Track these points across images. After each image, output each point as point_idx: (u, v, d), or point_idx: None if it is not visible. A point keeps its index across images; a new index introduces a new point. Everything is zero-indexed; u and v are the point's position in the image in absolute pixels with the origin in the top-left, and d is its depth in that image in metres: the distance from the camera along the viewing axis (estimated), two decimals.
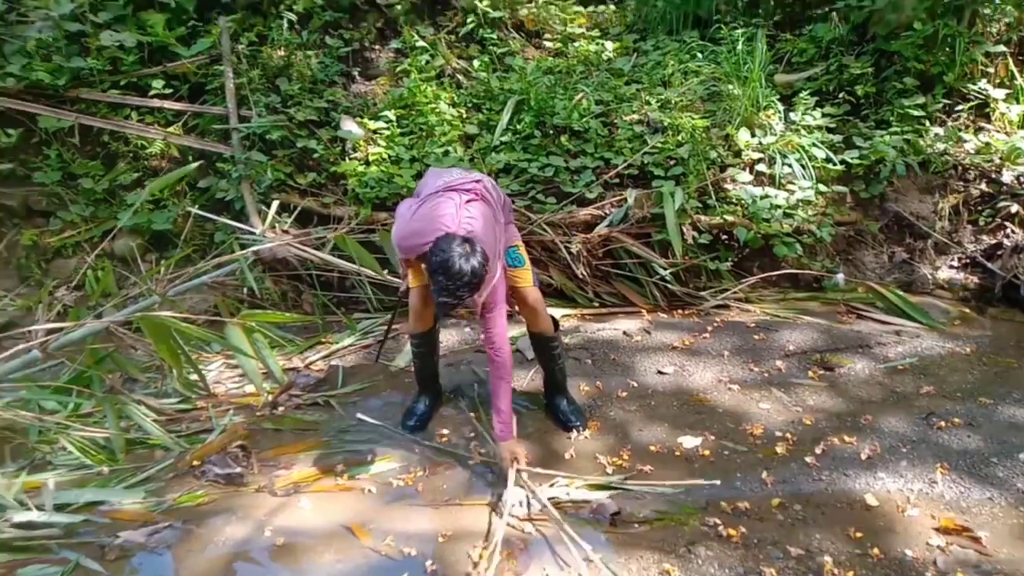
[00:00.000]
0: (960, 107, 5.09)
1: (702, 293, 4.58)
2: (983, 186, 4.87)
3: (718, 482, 2.79)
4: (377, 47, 5.67)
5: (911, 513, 2.62)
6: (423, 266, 2.82)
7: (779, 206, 4.63)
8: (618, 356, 3.85)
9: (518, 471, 2.77)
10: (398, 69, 5.43)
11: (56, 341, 3.32)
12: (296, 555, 2.49)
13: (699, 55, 5.56)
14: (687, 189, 4.63)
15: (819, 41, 5.49)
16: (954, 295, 4.66)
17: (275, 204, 4.35)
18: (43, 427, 3.08)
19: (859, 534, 2.52)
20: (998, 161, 4.83)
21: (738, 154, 4.85)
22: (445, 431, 3.22)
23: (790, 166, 4.78)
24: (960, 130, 5.00)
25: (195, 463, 2.98)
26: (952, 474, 2.81)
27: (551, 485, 2.79)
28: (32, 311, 4.30)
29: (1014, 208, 4.71)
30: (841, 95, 5.24)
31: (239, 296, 4.44)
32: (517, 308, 3.31)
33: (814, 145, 4.84)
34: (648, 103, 5.09)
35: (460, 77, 5.49)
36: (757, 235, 4.57)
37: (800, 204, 4.67)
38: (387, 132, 4.92)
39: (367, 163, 4.78)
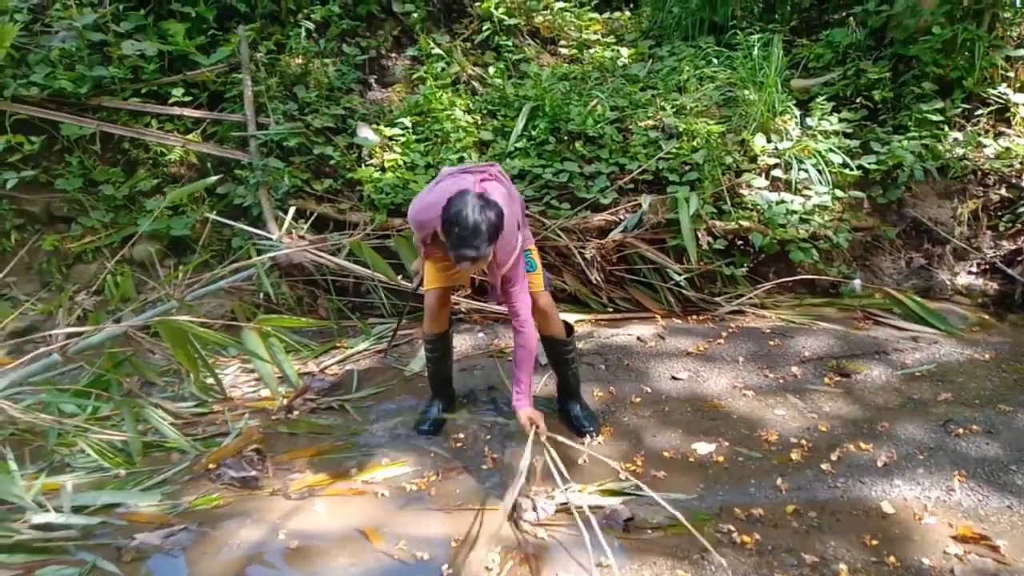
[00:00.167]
0: (980, 112, 5.04)
1: (717, 299, 4.57)
2: (1003, 191, 4.82)
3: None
4: (393, 55, 5.72)
5: (928, 521, 2.59)
6: (439, 254, 2.84)
7: (795, 211, 4.60)
8: (632, 362, 3.84)
9: (536, 433, 2.78)
10: (414, 76, 5.47)
11: (76, 345, 3.37)
12: (310, 558, 2.50)
13: (715, 61, 5.56)
14: (702, 195, 4.62)
15: (836, 46, 5.47)
16: (973, 301, 4.61)
17: (292, 210, 4.39)
18: (62, 430, 3.11)
19: (875, 542, 2.49)
20: (1018, 166, 4.78)
21: (754, 159, 4.84)
22: (458, 436, 3.22)
23: (806, 171, 4.75)
24: (979, 135, 4.95)
25: (211, 466, 3.00)
26: (970, 482, 2.77)
27: (564, 491, 2.79)
28: (53, 315, 4.37)
29: None
30: (858, 100, 5.21)
31: (255, 301, 4.48)
32: None
33: (831, 150, 4.82)
34: (663, 109, 5.09)
35: (475, 84, 5.52)
36: (773, 241, 4.54)
37: (816, 209, 4.64)
38: (403, 139, 4.95)
39: (383, 169, 4.82)
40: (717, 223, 4.59)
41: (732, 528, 2.58)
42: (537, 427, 2.81)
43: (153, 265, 4.50)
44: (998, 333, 4.18)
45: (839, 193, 4.71)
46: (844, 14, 5.58)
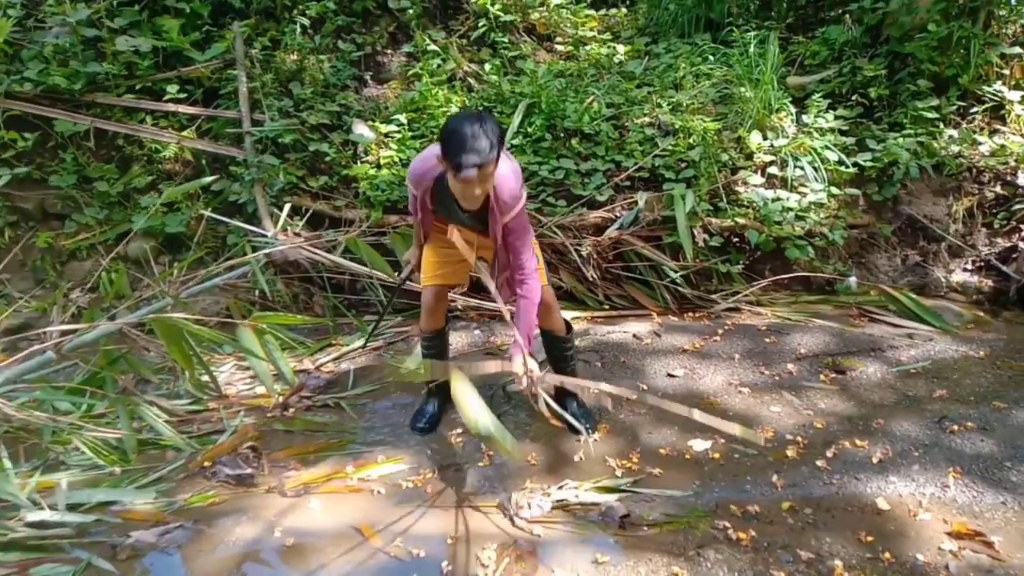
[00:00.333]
0: (975, 109, 5.05)
1: (713, 296, 4.57)
2: (998, 188, 4.83)
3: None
4: (389, 51, 5.70)
5: (923, 517, 2.59)
6: (438, 226, 2.82)
7: (791, 209, 4.60)
8: (628, 359, 3.84)
9: (530, 380, 2.62)
10: (410, 73, 5.46)
11: (70, 342, 3.35)
12: (306, 556, 2.50)
13: (711, 58, 5.56)
14: (698, 192, 4.62)
15: (832, 43, 5.47)
16: (968, 298, 4.62)
17: (287, 207, 4.37)
18: (57, 427, 3.10)
19: (870, 538, 2.50)
20: (1013, 163, 4.79)
21: (750, 156, 4.84)
22: (454, 433, 3.22)
23: (802, 168, 4.76)
24: (975, 132, 4.96)
25: (206, 464, 3.00)
26: (965, 478, 2.78)
27: (560, 487, 2.79)
28: (47, 312, 4.35)
29: None
30: (854, 97, 5.21)
31: (251, 298, 4.47)
32: None
33: (826, 148, 4.82)
34: (659, 106, 5.09)
35: (471, 81, 5.51)
36: (768, 238, 4.55)
37: (812, 207, 4.65)
38: (398, 135, 4.94)
39: (378, 166, 4.81)
40: (713, 220, 4.59)
41: (728, 525, 2.58)
42: (531, 374, 2.63)
43: (148, 262, 4.49)
44: (993, 330, 4.19)
45: (835, 190, 4.72)
46: (840, 11, 5.58)
